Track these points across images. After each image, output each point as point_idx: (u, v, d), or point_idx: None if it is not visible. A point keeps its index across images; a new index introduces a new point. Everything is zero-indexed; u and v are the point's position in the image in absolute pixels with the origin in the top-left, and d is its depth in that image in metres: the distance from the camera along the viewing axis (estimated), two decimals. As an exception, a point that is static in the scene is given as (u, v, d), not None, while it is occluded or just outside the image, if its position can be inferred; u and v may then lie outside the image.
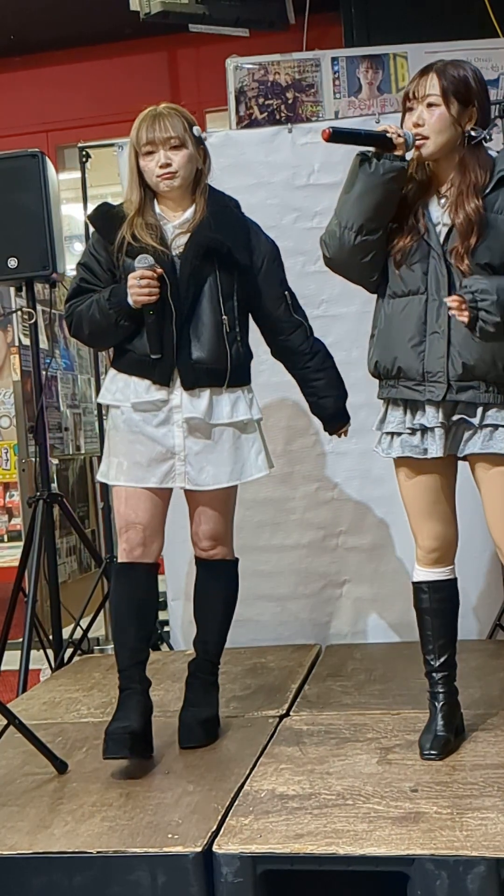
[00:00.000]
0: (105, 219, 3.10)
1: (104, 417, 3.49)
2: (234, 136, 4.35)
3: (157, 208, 3.06)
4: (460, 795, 2.58)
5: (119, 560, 3.17)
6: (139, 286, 2.93)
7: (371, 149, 2.76)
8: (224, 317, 3.01)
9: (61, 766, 2.95)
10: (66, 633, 4.29)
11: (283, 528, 4.25)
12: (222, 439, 3.06)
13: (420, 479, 2.88)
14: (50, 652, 4.27)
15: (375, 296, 2.97)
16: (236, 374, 3.07)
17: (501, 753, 2.83)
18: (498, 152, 2.87)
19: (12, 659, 4.11)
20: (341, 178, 3.97)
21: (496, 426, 2.76)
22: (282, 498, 4.23)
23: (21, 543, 4.45)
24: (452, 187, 2.78)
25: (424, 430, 2.81)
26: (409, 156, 2.80)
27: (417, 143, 2.76)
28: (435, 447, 2.80)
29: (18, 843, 2.53)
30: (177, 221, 3.04)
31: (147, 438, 3.04)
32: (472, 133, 2.75)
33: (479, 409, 2.76)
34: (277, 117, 5.18)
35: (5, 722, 2.90)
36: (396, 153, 2.74)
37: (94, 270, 3.08)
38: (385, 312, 2.87)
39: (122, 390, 3.07)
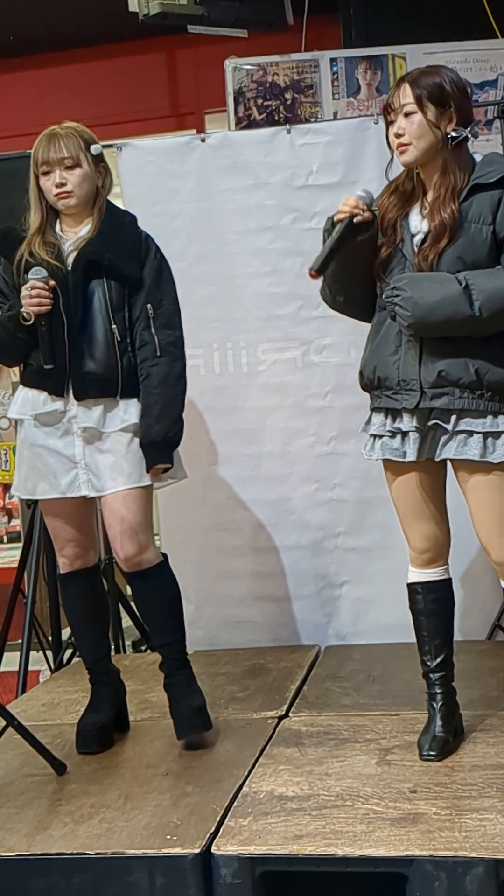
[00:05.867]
0: (4, 241, 3.18)
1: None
2: (232, 136, 4.35)
3: (59, 226, 3.14)
4: (459, 796, 2.58)
5: (61, 571, 3.26)
6: (30, 296, 3.01)
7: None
8: (114, 327, 3.04)
9: (60, 768, 2.95)
10: (65, 634, 4.28)
11: (281, 529, 4.24)
12: (117, 445, 3.07)
13: (405, 482, 2.89)
14: (49, 653, 4.27)
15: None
16: (129, 385, 3.07)
17: (500, 754, 2.83)
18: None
19: (11, 660, 4.11)
20: (340, 178, 4.04)
21: (470, 433, 2.76)
22: (280, 499, 4.23)
23: (20, 544, 4.45)
24: (434, 191, 2.79)
25: (403, 433, 2.82)
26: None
27: (400, 150, 2.79)
28: (411, 451, 2.82)
29: (17, 844, 2.53)
30: (73, 238, 3.11)
31: (49, 450, 3.10)
32: (453, 134, 2.76)
33: (453, 416, 2.76)
34: (276, 118, 5.17)
35: (4, 723, 2.90)
36: (369, 221, 2.80)
37: (1, 290, 3.16)
38: (373, 324, 2.92)
39: (24, 403, 3.13)
